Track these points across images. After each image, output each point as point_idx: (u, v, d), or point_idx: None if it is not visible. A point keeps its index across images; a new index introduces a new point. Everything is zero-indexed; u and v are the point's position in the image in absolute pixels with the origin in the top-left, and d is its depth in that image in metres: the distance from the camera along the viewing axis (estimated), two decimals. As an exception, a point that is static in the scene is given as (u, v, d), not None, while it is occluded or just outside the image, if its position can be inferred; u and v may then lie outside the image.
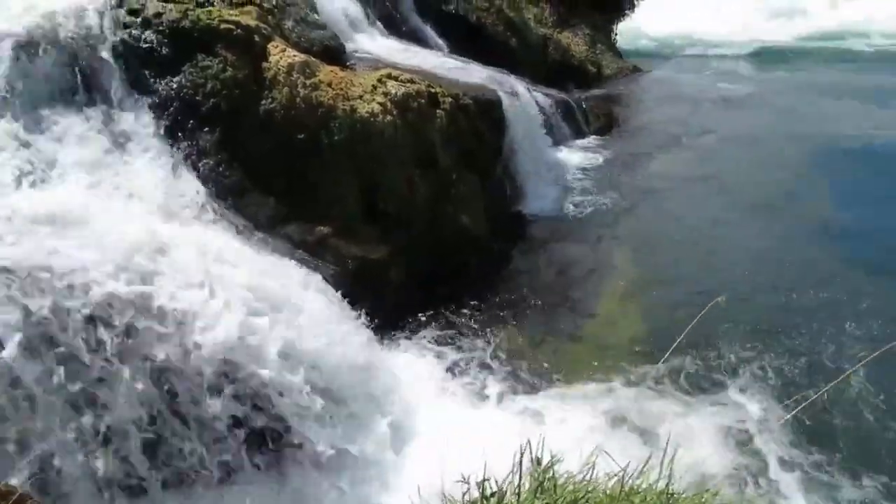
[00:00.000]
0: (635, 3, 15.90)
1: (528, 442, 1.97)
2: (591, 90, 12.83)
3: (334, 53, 6.09)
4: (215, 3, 5.07)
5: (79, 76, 4.27)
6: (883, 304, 5.29)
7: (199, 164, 4.63)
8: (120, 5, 4.68)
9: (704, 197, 7.69)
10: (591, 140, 9.84)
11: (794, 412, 3.78)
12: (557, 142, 8.90)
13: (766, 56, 15.37)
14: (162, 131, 4.52)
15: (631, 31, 15.33)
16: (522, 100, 8.00)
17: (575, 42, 13.80)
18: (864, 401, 4.16)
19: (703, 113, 11.40)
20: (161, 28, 4.68)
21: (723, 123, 10.73)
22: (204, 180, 4.59)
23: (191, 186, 4.40)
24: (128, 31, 4.58)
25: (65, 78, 4.21)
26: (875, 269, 5.86)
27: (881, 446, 3.94)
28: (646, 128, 10.70)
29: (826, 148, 9.32)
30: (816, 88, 12.55)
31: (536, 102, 8.56)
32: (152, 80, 4.60)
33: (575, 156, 9.06)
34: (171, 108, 4.61)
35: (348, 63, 6.23)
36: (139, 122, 4.42)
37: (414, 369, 4.56)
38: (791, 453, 3.87)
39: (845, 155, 9.09)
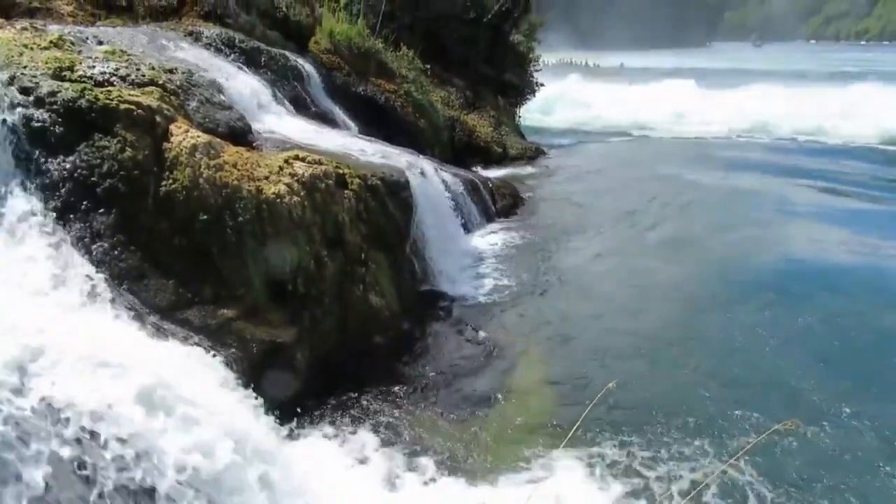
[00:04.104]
0: (536, 88, 16.97)
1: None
2: (497, 169, 13.41)
3: (240, 134, 6.06)
4: (115, 84, 4.97)
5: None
6: (772, 384, 5.47)
7: (93, 247, 4.41)
8: (11, 83, 4.51)
9: (609, 275, 7.99)
10: (499, 219, 10.16)
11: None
12: (465, 221, 9.11)
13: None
14: (52, 213, 4.29)
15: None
16: (430, 179, 8.19)
17: (481, 124, 14.46)
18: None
19: (598, 184, 12.48)
20: (55, 107, 4.52)
21: (616, 195, 11.74)
22: (97, 264, 4.35)
23: (81, 271, 4.16)
24: (16, 109, 4.39)
25: (-58, 158, 3.97)
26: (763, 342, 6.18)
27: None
28: (550, 205, 11.21)
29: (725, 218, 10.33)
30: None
31: (444, 182, 8.79)
32: (43, 159, 4.40)
33: (483, 235, 9.30)
34: (63, 189, 4.40)
35: (255, 144, 6.21)
36: (25, 203, 4.19)
37: (318, 456, 4.37)
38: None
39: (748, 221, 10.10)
